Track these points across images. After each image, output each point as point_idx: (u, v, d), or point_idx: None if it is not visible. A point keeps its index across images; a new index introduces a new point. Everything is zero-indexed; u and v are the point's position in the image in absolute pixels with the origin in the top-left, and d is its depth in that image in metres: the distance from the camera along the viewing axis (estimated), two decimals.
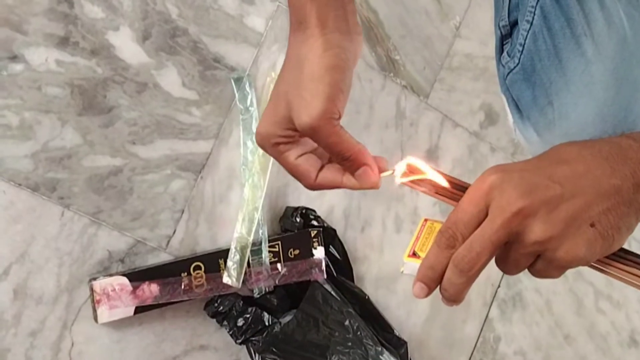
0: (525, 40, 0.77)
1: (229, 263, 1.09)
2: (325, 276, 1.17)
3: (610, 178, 0.53)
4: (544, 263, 0.55)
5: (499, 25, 0.84)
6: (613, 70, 0.71)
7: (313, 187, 0.64)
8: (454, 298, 0.57)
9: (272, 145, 0.62)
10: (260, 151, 1.13)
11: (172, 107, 1.09)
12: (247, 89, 1.13)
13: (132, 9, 1.05)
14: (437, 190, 0.62)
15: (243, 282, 1.10)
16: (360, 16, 1.25)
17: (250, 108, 1.13)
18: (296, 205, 1.19)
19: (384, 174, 0.63)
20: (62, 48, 1.01)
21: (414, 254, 0.61)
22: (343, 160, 0.60)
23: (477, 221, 0.55)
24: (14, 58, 0.98)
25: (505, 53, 0.82)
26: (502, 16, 0.83)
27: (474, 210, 0.54)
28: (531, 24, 0.76)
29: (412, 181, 0.61)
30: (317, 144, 0.61)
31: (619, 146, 0.55)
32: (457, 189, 0.61)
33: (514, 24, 0.82)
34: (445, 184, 0.62)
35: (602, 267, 0.58)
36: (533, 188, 0.53)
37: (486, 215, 0.54)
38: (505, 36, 0.83)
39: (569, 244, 0.53)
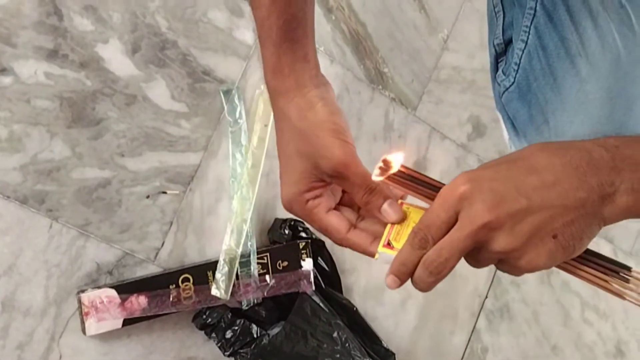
0: (520, 59, 0.78)
1: (218, 275, 1.09)
2: (313, 288, 1.18)
3: (577, 191, 0.55)
4: (507, 266, 0.58)
5: (493, 44, 0.85)
6: (607, 89, 0.72)
7: (342, 241, 0.66)
8: (424, 290, 0.60)
9: (301, 204, 0.65)
10: (249, 163, 1.13)
11: (161, 119, 1.09)
12: (236, 101, 1.13)
13: (122, 21, 1.05)
14: (411, 188, 0.63)
15: (231, 294, 1.10)
16: (349, 29, 1.26)
17: (239, 120, 1.13)
18: (285, 217, 1.20)
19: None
20: (51, 61, 1.01)
21: (389, 244, 0.63)
22: (369, 193, 0.63)
23: (447, 226, 0.57)
24: (3, 71, 0.98)
25: (500, 71, 0.83)
26: (497, 34, 0.84)
27: (444, 216, 0.57)
28: (526, 43, 0.77)
29: (388, 178, 0.62)
30: (344, 184, 0.64)
31: (590, 156, 0.56)
32: (431, 189, 0.62)
33: (508, 42, 0.83)
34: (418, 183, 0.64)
35: (564, 267, 0.60)
36: (501, 201, 0.55)
37: (456, 220, 0.57)
38: (500, 54, 0.85)
39: (531, 255, 0.56)
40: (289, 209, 0.66)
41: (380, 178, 0.62)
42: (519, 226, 0.55)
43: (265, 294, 1.13)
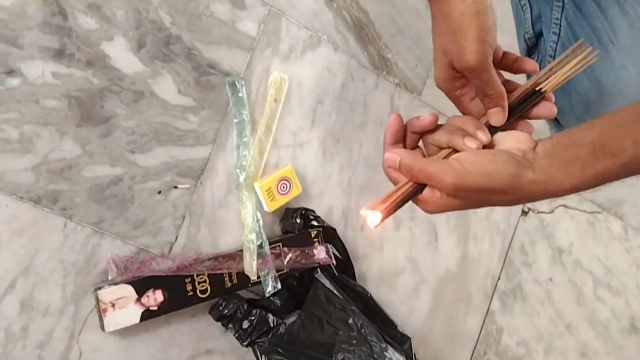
0: (555, 52, 0.80)
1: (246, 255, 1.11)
2: (334, 262, 1.19)
3: (496, 202, 0.67)
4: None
5: (524, 38, 0.86)
6: None
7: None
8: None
9: (448, 91, 0.74)
10: (255, 152, 1.14)
11: (169, 114, 1.09)
12: (241, 93, 1.14)
13: (126, 18, 1.06)
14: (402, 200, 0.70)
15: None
16: (351, 16, 1.27)
17: (243, 111, 1.14)
18: (296, 206, 1.20)
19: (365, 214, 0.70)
20: (58, 60, 1.01)
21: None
22: (485, 96, 0.70)
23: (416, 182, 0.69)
24: (11, 72, 0.98)
25: None
26: (527, 28, 0.86)
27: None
28: (559, 35, 0.79)
29: (387, 214, 0.69)
30: (472, 80, 0.70)
31: (520, 180, 0.64)
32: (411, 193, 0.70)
33: (538, 35, 0.84)
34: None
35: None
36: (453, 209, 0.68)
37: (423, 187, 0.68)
38: (532, 48, 0.86)
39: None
40: (441, 89, 0.76)
41: (376, 219, 0.69)
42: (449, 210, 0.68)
43: (285, 264, 1.14)
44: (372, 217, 0.68)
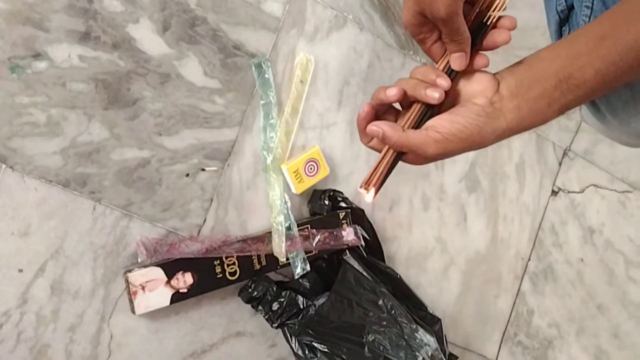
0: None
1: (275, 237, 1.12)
2: (363, 243, 1.18)
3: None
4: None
5: (557, 10, 0.85)
6: None
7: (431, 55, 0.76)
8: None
9: (414, 34, 0.74)
10: (282, 134, 1.13)
11: (195, 96, 1.09)
12: (267, 74, 1.13)
13: (151, 0, 1.05)
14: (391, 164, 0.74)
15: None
16: None
17: (269, 93, 1.13)
18: (323, 188, 1.19)
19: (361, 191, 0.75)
20: (84, 43, 1.01)
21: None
22: (451, 41, 0.71)
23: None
24: (38, 56, 0.98)
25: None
26: (560, 2, 0.84)
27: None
28: (591, 9, 0.77)
29: (378, 187, 0.74)
30: (441, 28, 0.70)
31: (494, 133, 0.69)
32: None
33: (570, 8, 0.83)
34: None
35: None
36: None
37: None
38: (563, 21, 0.85)
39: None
40: (406, 29, 0.75)
41: (370, 195, 0.73)
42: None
43: (314, 245, 1.14)
44: (366, 193, 0.74)
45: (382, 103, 0.74)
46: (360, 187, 0.74)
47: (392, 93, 0.72)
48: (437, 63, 0.74)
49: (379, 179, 0.73)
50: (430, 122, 0.71)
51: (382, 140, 0.73)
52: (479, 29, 0.72)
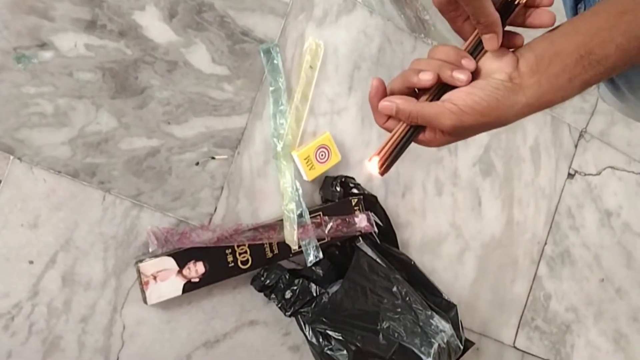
0: None
1: (287, 225, 1.10)
2: (375, 229, 1.16)
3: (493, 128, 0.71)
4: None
5: None
6: None
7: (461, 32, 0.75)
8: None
9: (443, 12, 0.73)
10: (292, 120, 1.12)
11: (203, 84, 1.08)
12: (276, 60, 1.11)
13: None
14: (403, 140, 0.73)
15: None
16: None
17: (279, 79, 1.11)
18: (335, 174, 1.18)
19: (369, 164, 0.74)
20: (90, 32, 1.00)
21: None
22: (478, 23, 0.69)
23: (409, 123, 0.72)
24: (43, 45, 0.97)
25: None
26: None
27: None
28: None
29: (388, 154, 0.72)
30: (465, 7, 0.69)
31: (514, 108, 0.68)
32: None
33: None
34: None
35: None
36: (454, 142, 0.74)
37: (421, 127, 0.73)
38: None
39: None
40: (435, 6, 0.74)
41: (374, 165, 0.72)
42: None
43: (326, 233, 1.12)
44: (373, 165, 0.72)
45: (411, 87, 0.73)
46: (369, 160, 0.73)
47: (427, 77, 0.70)
48: (465, 41, 0.73)
49: (387, 152, 0.72)
50: (446, 95, 0.70)
51: (396, 116, 0.72)
52: (507, 8, 0.70)
